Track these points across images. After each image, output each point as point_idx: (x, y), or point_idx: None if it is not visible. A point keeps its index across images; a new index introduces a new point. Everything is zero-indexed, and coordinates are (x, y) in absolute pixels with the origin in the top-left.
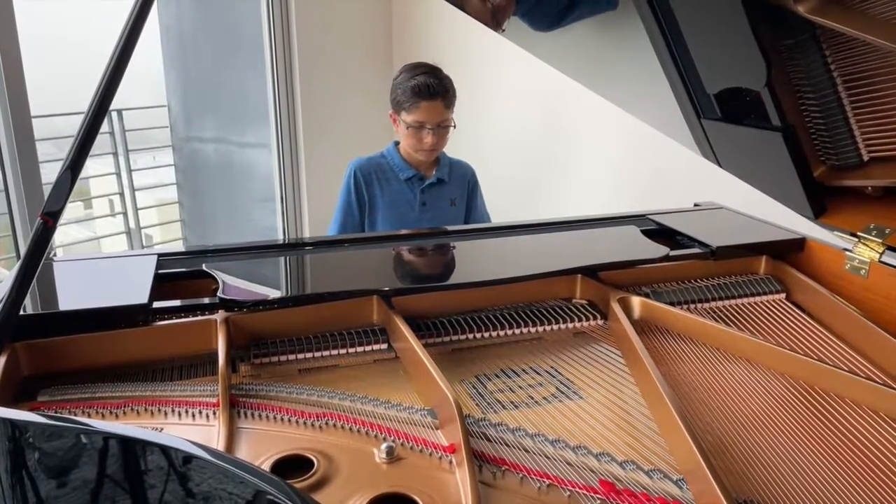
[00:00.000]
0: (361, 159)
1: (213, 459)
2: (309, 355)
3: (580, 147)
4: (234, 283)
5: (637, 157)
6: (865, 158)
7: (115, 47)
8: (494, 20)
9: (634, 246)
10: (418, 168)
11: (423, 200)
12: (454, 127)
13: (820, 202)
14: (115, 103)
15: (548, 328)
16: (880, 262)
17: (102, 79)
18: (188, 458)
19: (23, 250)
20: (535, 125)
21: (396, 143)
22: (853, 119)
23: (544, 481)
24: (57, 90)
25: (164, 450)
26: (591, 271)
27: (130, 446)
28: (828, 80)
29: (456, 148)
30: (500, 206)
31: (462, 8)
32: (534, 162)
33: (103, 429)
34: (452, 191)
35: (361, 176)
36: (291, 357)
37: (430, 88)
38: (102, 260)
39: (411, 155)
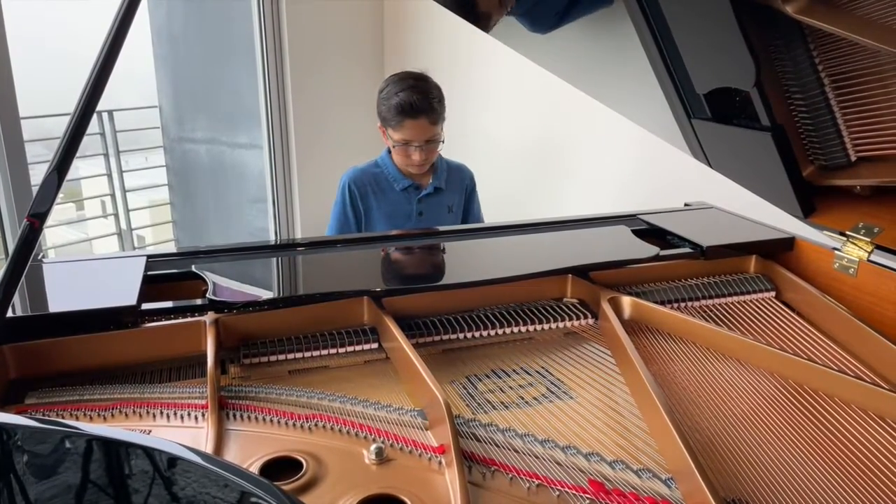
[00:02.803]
0: (355, 170)
1: (199, 462)
2: (299, 356)
3: (576, 150)
4: (225, 284)
5: (635, 160)
6: (853, 158)
7: (102, 48)
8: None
9: (625, 246)
10: (413, 177)
11: (419, 210)
12: (443, 141)
13: (809, 202)
14: (106, 104)
15: (538, 328)
16: (869, 261)
17: (89, 79)
18: (173, 461)
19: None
20: (529, 129)
21: (390, 151)
22: (841, 119)
23: (533, 481)
24: (47, 91)
25: (150, 452)
26: (581, 271)
27: (118, 449)
28: (815, 80)
29: (449, 153)
30: (494, 212)
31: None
32: (528, 166)
33: (90, 431)
34: (450, 198)
35: (356, 188)
36: (281, 358)
37: (412, 107)
38: (91, 261)
39: None
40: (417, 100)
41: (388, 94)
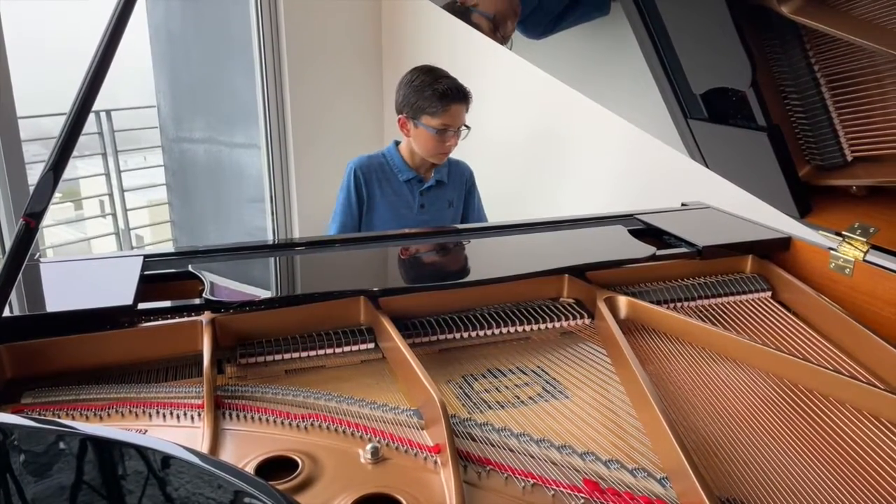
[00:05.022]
0: (362, 158)
1: (194, 461)
2: (295, 355)
3: (574, 150)
4: (223, 283)
5: (633, 160)
6: (849, 158)
7: (98, 47)
8: (500, 35)
9: (622, 245)
10: (418, 170)
11: (421, 203)
12: (469, 127)
13: (805, 202)
14: (104, 104)
15: (535, 328)
16: (864, 261)
17: (85, 79)
18: (167, 461)
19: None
20: (526, 128)
21: (396, 143)
22: (837, 119)
23: (529, 481)
24: (45, 91)
25: (144, 452)
26: (578, 271)
27: (112, 448)
28: (811, 81)
29: None
30: (492, 211)
31: (475, 27)
32: (526, 166)
33: (85, 431)
34: (451, 192)
35: (362, 175)
36: (278, 357)
37: (458, 92)
38: (88, 261)
39: (413, 156)
40: (460, 86)
41: (423, 85)
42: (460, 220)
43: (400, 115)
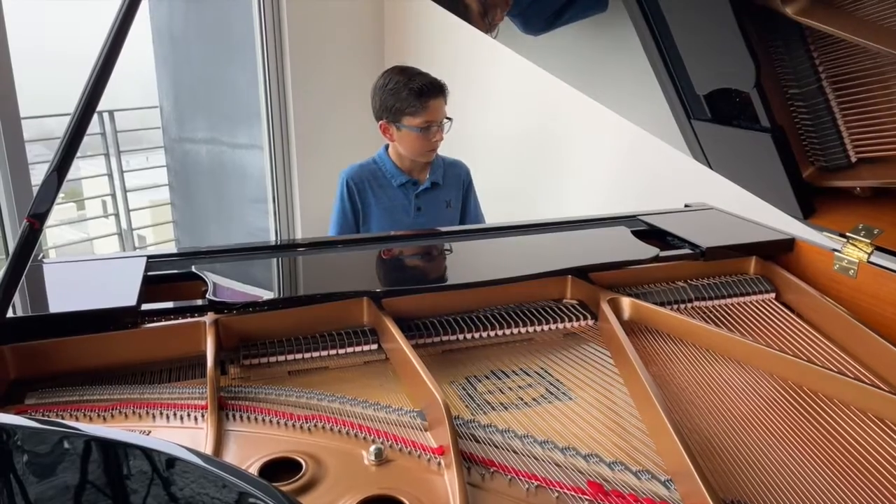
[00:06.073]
0: (353, 167)
1: (198, 462)
2: (298, 356)
3: (576, 150)
4: (226, 284)
5: (636, 160)
6: (853, 159)
7: (103, 48)
8: (487, 21)
9: (625, 247)
10: (411, 173)
11: (417, 206)
12: (451, 120)
13: (809, 203)
14: (107, 104)
15: (538, 329)
16: (868, 262)
17: (89, 80)
18: (172, 462)
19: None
20: (529, 128)
21: (387, 147)
22: (841, 120)
23: (532, 483)
24: (48, 91)
25: (148, 453)
26: (581, 272)
27: (117, 449)
28: (815, 81)
29: (449, 151)
30: (493, 211)
31: (461, 13)
32: (528, 165)
33: (90, 432)
34: (447, 193)
35: (354, 184)
36: (281, 358)
37: (434, 86)
38: (91, 262)
39: (403, 160)
40: (434, 80)
41: (398, 86)
42: (458, 222)
43: (380, 122)
